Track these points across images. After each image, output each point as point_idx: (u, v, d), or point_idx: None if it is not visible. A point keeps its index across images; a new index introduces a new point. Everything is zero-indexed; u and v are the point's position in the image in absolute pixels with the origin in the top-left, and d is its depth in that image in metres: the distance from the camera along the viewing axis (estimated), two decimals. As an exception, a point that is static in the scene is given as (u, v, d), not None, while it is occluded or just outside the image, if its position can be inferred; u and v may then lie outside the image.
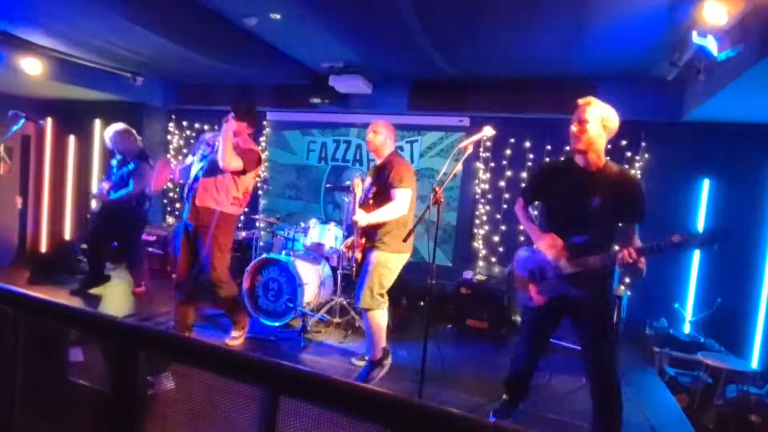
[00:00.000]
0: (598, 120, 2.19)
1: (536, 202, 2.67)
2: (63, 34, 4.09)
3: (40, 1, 3.31)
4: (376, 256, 3.00)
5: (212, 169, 3.26)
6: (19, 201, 6.14)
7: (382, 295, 3.03)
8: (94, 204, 4.51)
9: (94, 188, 5.61)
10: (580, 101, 2.26)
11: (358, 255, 3.11)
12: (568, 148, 4.45)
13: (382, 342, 3.12)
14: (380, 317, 3.06)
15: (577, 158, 2.31)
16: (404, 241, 2.78)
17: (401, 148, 5.37)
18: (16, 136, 4.61)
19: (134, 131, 4.49)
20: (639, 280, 2.07)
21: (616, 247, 2.34)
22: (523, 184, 2.62)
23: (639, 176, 2.37)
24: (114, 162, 4.50)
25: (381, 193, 2.99)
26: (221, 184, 3.26)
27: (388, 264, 3.01)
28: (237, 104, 3.24)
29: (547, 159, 4.70)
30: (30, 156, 6.26)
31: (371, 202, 3.04)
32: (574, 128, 2.23)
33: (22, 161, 6.17)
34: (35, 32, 4.09)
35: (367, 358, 3.21)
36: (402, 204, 2.92)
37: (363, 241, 3.08)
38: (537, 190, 2.50)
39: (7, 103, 5.51)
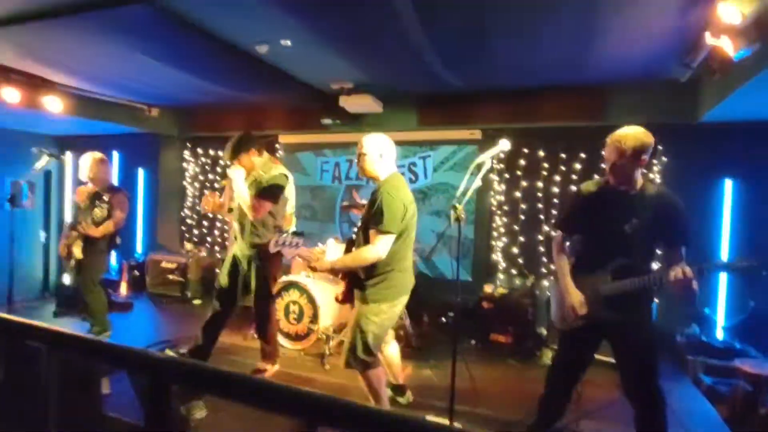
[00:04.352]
0: (630, 156, 2.13)
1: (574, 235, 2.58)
2: (82, 72, 4.22)
3: (58, 41, 3.43)
4: (359, 311, 2.51)
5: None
6: (42, 235, 6.28)
7: (369, 354, 2.51)
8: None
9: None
10: (609, 140, 2.19)
11: (339, 295, 2.70)
12: (583, 155, 4.50)
13: (385, 401, 2.67)
14: (376, 375, 2.59)
15: (613, 181, 2.27)
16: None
17: (414, 164, 5.39)
18: (39, 171, 4.72)
19: (108, 161, 4.13)
20: (691, 302, 2.01)
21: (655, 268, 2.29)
22: (560, 216, 2.54)
23: (676, 196, 2.29)
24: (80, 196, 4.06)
25: (365, 229, 2.54)
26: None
27: (375, 317, 2.50)
28: (228, 152, 3.29)
29: (566, 166, 4.65)
30: (51, 191, 6.42)
31: (353, 237, 2.64)
32: (608, 169, 2.20)
33: (44, 196, 6.33)
34: (55, 72, 4.23)
35: None
36: (378, 250, 2.41)
37: (346, 280, 2.64)
38: (577, 219, 2.42)
39: (29, 140, 5.69)
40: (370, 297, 2.51)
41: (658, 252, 2.30)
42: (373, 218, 2.42)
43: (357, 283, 2.56)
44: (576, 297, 2.28)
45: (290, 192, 3.47)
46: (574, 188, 4.51)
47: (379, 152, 2.58)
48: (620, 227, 2.18)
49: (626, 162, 2.13)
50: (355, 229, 2.76)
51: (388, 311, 2.54)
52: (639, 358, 2.23)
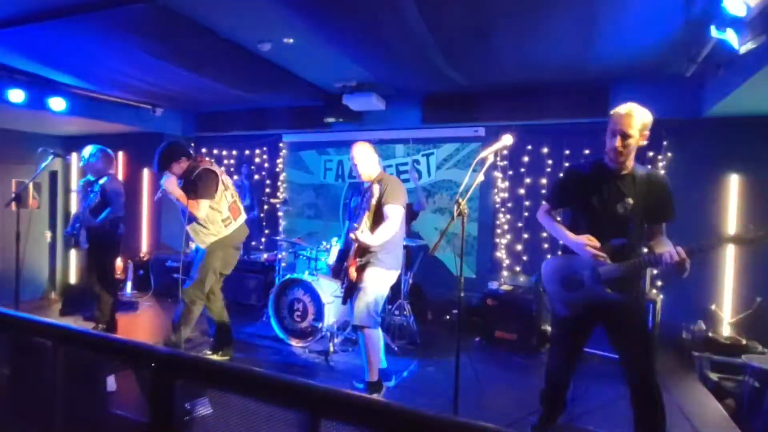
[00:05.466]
0: (639, 130, 2.14)
1: (559, 209, 2.60)
2: (86, 71, 4.24)
3: (62, 41, 3.44)
4: (371, 272, 2.95)
5: None
6: (48, 235, 6.31)
7: (377, 313, 3.00)
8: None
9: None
10: (621, 111, 2.16)
11: (353, 273, 2.99)
12: (587, 151, 4.47)
13: (378, 363, 3.07)
14: (377, 336, 3.01)
15: (607, 161, 2.27)
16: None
17: (417, 162, 5.38)
18: (44, 172, 4.74)
19: (111, 155, 4.18)
20: (680, 278, 2.07)
21: (645, 249, 2.30)
22: (549, 189, 2.56)
23: (665, 176, 2.33)
24: (80, 188, 4.16)
25: (376, 212, 2.97)
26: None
27: (383, 281, 2.99)
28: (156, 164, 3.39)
29: (572, 162, 4.63)
30: (57, 191, 6.45)
31: (366, 220, 2.97)
32: (617, 143, 2.15)
33: (50, 196, 6.36)
34: (59, 71, 4.25)
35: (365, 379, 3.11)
36: (396, 221, 2.92)
37: (357, 259, 3.00)
38: (566, 194, 2.44)
39: (34, 140, 5.73)
40: (382, 264, 2.95)
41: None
42: (384, 200, 2.90)
43: (370, 252, 2.94)
44: (583, 237, 2.23)
45: (226, 183, 3.49)
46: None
47: (368, 157, 3.08)
48: (613, 208, 2.21)
49: (635, 133, 2.13)
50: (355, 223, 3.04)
51: (390, 279, 3.04)
52: (636, 338, 2.24)
